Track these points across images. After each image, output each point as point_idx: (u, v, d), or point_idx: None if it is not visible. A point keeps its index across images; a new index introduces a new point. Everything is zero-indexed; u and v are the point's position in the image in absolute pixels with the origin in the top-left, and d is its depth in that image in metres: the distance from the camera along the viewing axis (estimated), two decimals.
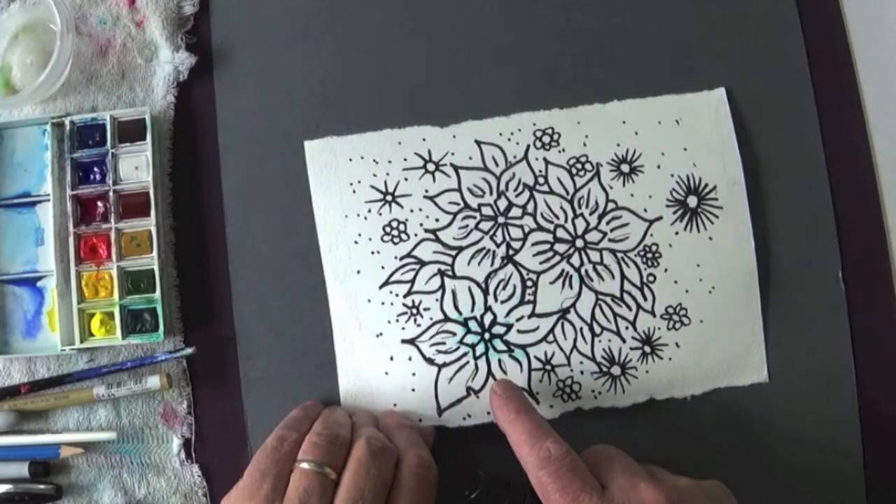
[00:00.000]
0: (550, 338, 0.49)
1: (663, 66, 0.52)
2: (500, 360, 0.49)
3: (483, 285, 0.49)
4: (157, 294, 0.49)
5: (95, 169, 0.50)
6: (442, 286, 0.49)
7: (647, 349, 0.49)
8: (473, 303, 0.49)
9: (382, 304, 0.49)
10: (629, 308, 0.49)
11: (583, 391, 0.49)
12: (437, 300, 0.49)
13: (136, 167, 0.50)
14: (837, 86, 0.53)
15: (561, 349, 0.49)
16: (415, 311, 0.49)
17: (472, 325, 0.49)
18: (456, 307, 0.49)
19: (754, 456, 0.49)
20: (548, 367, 0.49)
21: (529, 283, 0.49)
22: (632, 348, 0.49)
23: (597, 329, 0.49)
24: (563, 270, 0.49)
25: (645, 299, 0.49)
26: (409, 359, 0.49)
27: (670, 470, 0.44)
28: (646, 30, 0.52)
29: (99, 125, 0.51)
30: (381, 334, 0.49)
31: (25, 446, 0.49)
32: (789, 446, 0.49)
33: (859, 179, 0.52)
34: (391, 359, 0.49)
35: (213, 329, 0.50)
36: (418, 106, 0.51)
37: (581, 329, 0.49)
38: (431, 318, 0.49)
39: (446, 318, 0.49)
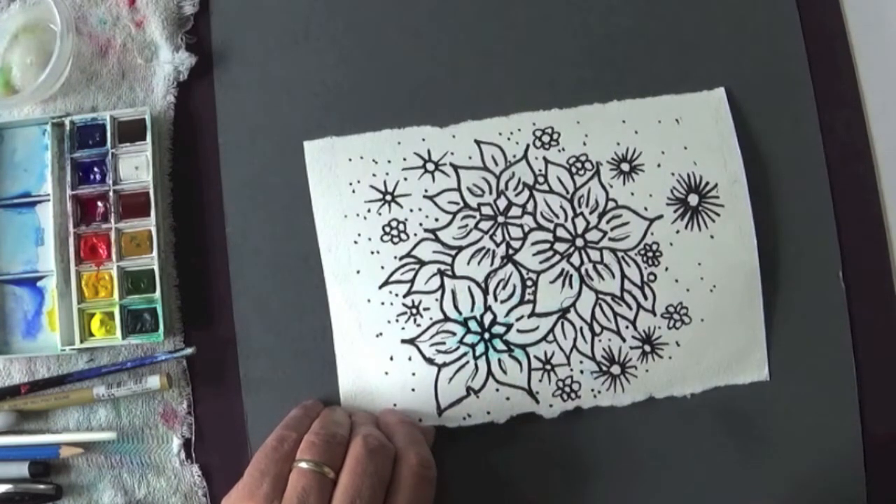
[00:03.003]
0: (550, 337, 0.49)
1: (663, 66, 0.52)
2: (499, 360, 0.49)
3: (483, 285, 0.49)
4: (157, 294, 0.49)
5: (95, 169, 0.50)
6: (442, 286, 0.49)
7: (647, 348, 0.49)
8: (473, 302, 0.49)
9: (382, 304, 0.49)
10: (629, 307, 0.49)
11: (582, 390, 0.49)
12: (436, 300, 0.49)
13: (136, 167, 0.50)
14: (837, 86, 0.53)
15: (561, 349, 0.49)
16: (414, 310, 0.49)
17: (472, 325, 0.49)
18: (456, 307, 0.49)
19: (754, 454, 0.49)
20: (548, 367, 0.49)
21: (529, 283, 0.49)
22: (632, 347, 0.49)
23: (597, 328, 0.49)
24: (563, 270, 0.49)
25: (645, 298, 0.49)
26: (409, 359, 0.49)
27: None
28: (646, 30, 0.52)
29: (99, 125, 0.51)
30: (380, 334, 0.49)
31: (25, 446, 0.49)
32: (789, 444, 0.49)
33: (859, 179, 0.52)
34: (391, 359, 0.49)
35: (213, 329, 0.50)
36: (418, 106, 0.51)
37: (581, 328, 0.49)
38: (431, 318, 0.49)
39: (446, 318, 0.49)
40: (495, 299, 0.49)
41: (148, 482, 0.49)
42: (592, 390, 0.49)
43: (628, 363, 0.49)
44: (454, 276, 0.49)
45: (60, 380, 0.49)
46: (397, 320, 0.49)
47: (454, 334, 0.49)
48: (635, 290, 0.49)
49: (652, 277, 0.49)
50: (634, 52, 0.52)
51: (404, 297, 0.49)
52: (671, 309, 0.49)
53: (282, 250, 0.51)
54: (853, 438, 0.50)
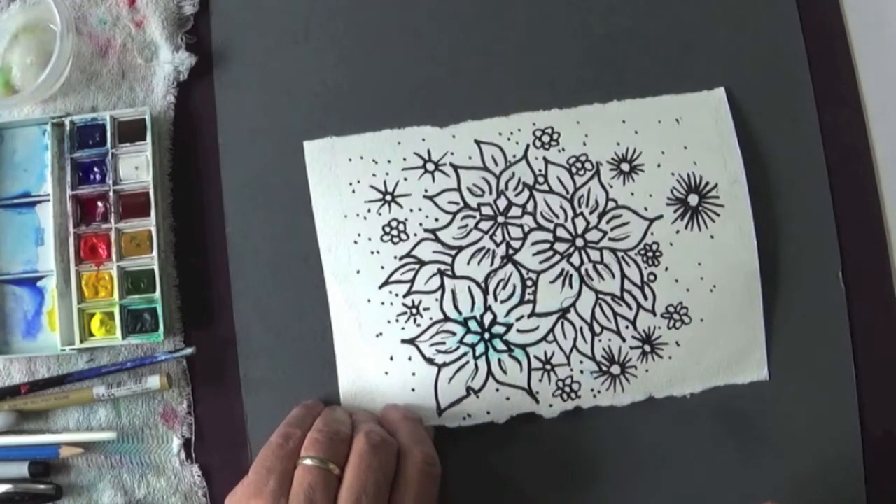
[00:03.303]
0: (550, 337, 0.49)
1: (663, 66, 0.52)
2: (499, 360, 0.49)
3: (483, 285, 0.49)
4: (157, 294, 0.49)
5: (95, 169, 0.50)
6: (441, 286, 0.49)
7: (647, 348, 0.49)
8: (473, 302, 0.49)
9: (382, 304, 0.49)
10: (629, 307, 0.49)
11: (582, 390, 0.49)
12: (436, 300, 0.49)
13: (136, 167, 0.50)
14: (837, 86, 0.53)
15: (561, 349, 0.49)
16: (414, 310, 0.49)
17: (472, 325, 0.49)
18: (456, 307, 0.49)
19: (754, 454, 0.49)
20: (547, 367, 0.49)
21: (529, 283, 0.49)
22: (632, 347, 0.49)
23: (597, 328, 0.49)
24: (563, 270, 0.49)
25: (645, 298, 0.49)
26: (409, 359, 0.49)
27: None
28: (646, 30, 0.52)
29: (99, 125, 0.51)
30: (380, 334, 0.49)
31: (25, 446, 0.49)
32: (789, 444, 0.49)
33: (859, 179, 0.52)
34: (391, 359, 0.49)
35: (213, 329, 0.50)
36: (418, 106, 0.51)
37: (581, 328, 0.49)
38: (431, 318, 0.49)
39: (446, 318, 0.49)
40: (495, 299, 0.49)
41: (148, 482, 0.49)
42: (592, 390, 0.49)
43: (628, 363, 0.49)
44: (454, 276, 0.49)
45: (60, 380, 0.49)
46: (397, 320, 0.49)
47: (454, 334, 0.49)
48: (635, 290, 0.49)
49: (652, 277, 0.49)
50: (634, 52, 0.52)
51: (404, 297, 0.49)
52: (671, 309, 0.49)
53: (282, 250, 0.51)
54: (853, 438, 0.50)
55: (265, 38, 0.53)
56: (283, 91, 0.52)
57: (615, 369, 0.49)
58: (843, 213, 0.51)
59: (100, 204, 0.50)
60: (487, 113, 0.51)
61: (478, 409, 0.48)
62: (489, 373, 0.49)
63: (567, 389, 0.49)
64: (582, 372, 0.49)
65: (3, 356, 0.50)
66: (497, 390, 0.48)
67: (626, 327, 0.49)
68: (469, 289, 0.49)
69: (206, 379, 0.50)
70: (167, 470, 0.50)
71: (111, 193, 0.50)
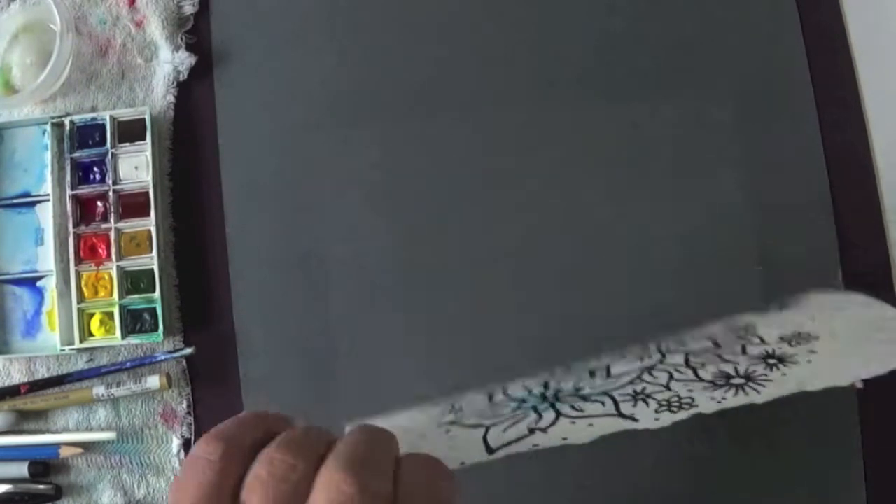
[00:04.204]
0: (638, 381, 0.40)
1: (663, 66, 0.52)
2: (572, 406, 0.38)
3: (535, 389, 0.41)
4: (157, 294, 0.49)
5: (95, 169, 0.50)
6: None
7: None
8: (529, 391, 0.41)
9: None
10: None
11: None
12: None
13: (136, 167, 0.50)
14: (837, 86, 0.52)
15: (657, 384, 0.40)
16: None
17: (533, 395, 0.41)
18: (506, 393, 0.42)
19: (752, 453, 0.49)
20: (641, 397, 0.39)
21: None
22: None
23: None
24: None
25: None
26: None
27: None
28: (645, 31, 0.52)
29: (99, 125, 0.51)
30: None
31: (25, 446, 0.49)
32: (788, 444, 0.49)
33: (859, 179, 0.52)
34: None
35: (213, 329, 0.50)
36: (417, 106, 0.51)
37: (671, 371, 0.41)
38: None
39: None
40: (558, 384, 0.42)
41: (147, 482, 0.49)
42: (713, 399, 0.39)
43: (754, 374, 0.41)
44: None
45: (60, 380, 0.49)
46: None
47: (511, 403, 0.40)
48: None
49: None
50: (633, 53, 0.52)
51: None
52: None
53: (282, 250, 0.51)
54: (853, 439, 0.49)
55: (265, 38, 0.53)
56: (284, 91, 0.52)
57: (737, 381, 0.40)
58: (843, 213, 0.51)
59: (99, 204, 0.50)
60: (486, 112, 0.51)
61: (548, 440, 0.36)
62: (559, 414, 0.38)
63: (676, 402, 0.38)
64: (691, 390, 0.39)
65: (2, 356, 0.50)
66: (573, 423, 0.37)
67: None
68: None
69: (206, 379, 0.50)
70: (167, 470, 0.50)
71: (111, 193, 0.50)
